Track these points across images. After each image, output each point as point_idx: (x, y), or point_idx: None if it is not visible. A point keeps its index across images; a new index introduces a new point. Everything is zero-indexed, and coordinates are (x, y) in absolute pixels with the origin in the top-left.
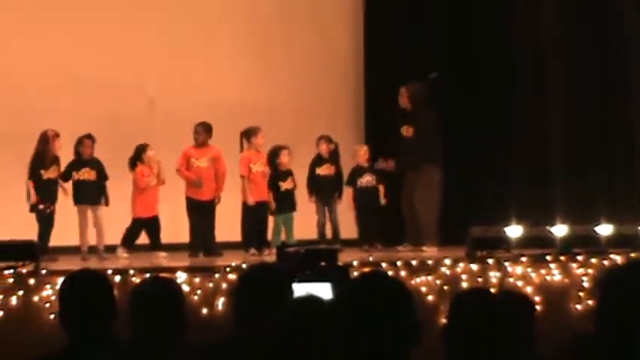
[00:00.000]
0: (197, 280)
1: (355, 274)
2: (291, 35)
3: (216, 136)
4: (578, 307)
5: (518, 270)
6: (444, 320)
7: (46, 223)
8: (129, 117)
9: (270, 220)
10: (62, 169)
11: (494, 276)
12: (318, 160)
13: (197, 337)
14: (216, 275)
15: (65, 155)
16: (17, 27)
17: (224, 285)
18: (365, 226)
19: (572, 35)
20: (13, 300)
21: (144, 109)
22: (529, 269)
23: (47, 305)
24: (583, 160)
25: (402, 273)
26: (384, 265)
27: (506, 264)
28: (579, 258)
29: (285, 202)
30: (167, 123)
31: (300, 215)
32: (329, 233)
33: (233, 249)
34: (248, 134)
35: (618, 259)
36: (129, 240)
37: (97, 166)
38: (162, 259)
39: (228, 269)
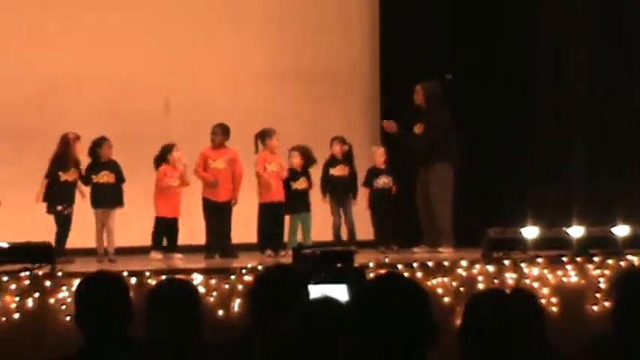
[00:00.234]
0: (213, 281)
1: (371, 275)
2: (306, 36)
3: (232, 138)
4: (595, 308)
5: (535, 271)
6: (459, 322)
7: (63, 224)
8: (145, 118)
9: (287, 221)
10: (82, 172)
11: (510, 277)
12: (331, 161)
13: (213, 338)
14: (232, 277)
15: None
16: (32, 28)
17: (240, 286)
18: (381, 228)
19: (592, 35)
20: (29, 302)
21: (160, 109)
22: (545, 270)
23: (63, 307)
24: (599, 161)
25: (418, 274)
26: (400, 266)
27: (523, 265)
28: (596, 259)
29: (297, 202)
30: (184, 124)
31: (316, 217)
32: (344, 235)
33: (249, 250)
34: (263, 136)
35: (635, 260)
36: (158, 241)
37: (115, 168)
38: (178, 260)
39: (244, 271)
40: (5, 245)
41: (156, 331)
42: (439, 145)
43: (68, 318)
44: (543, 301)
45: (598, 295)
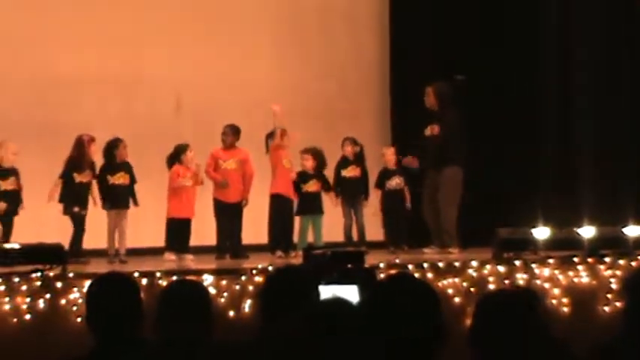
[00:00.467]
0: (224, 282)
1: (382, 276)
2: (316, 37)
3: (243, 138)
4: (606, 309)
5: (546, 272)
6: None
7: (79, 225)
8: (157, 118)
9: (297, 222)
10: (96, 173)
11: (521, 278)
12: (343, 162)
13: (224, 339)
14: (243, 277)
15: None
16: (44, 28)
17: (250, 287)
18: (392, 229)
19: (599, 35)
20: (41, 303)
21: (172, 110)
22: (556, 271)
23: (74, 308)
24: (611, 162)
25: (429, 275)
26: (410, 267)
27: (534, 266)
28: (607, 259)
29: (307, 204)
30: (195, 124)
31: (326, 218)
32: (355, 235)
33: (259, 251)
34: (274, 136)
35: None
36: (171, 242)
37: (129, 169)
38: (189, 261)
39: (254, 271)
40: (17, 246)
41: (167, 332)
42: (451, 146)
43: (79, 319)
44: (554, 301)
45: (609, 295)
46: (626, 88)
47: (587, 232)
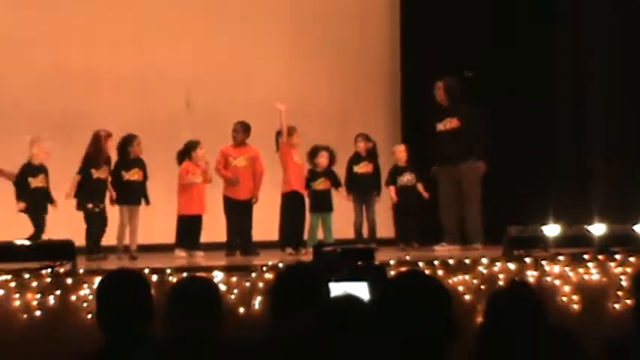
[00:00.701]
0: (234, 279)
1: (392, 273)
2: (327, 35)
3: (254, 135)
4: (617, 306)
5: (556, 269)
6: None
7: (93, 221)
8: (167, 115)
9: (306, 220)
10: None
11: (531, 275)
12: (355, 158)
13: (234, 335)
14: (253, 274)
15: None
16: (56, 26)
17: (261, 284)
18: (403, 225)
19: (615, 36)
20: (51, 299)
21: (182, 107)
22: (567, 268)
23: (84, 305)
24: (622, 158)
25: (439, 272)
26: (420, 264)
27: (544, 263)
28: (617, 257)
29: (317, 202)
30: (205, 121)
31: (337, 214)
32: (366, 232)
33: (270, 248)
34: (281, 135)
35: None
36: (182, 239)
37: (143, 166)
38: (200, 258)
39: (264, 268)
40: (27, 243)
41: (177, 329)
42: (468, 140)
43: (89, 315)
44: (564, 299)
45: (620, 293)
46: (637, 86)
47: (598, 229)
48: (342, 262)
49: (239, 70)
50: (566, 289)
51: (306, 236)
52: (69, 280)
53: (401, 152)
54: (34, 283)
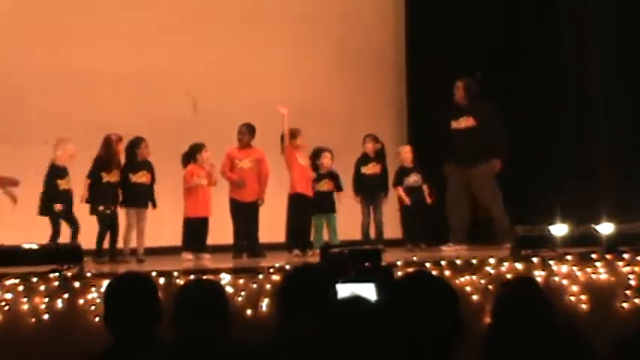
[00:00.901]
0: (241, 281)
1: (399, 274)
2: (332, 35)
3: (259, 137)
4: (625, 305)
5: (564, 268)
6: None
7: (106, 224)
8: (173, 117)
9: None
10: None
11: (539, 275)
12: (363, 159)
13: (241, 338)
14: (260, 276)
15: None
16: (57, 25)
17: (268, 286)
18: (410, 226)
19: (620, 36)
20: (59, 303)
21: (187, 109)
22: (574, 268)
23: (92, 308)
24: (629, 158)
25: (447, 272)
26: (428, 264)
27: (552, 262)
28: (625, 256)
29: (320, 203)
30: (211, 124)
31: (344, 216)
32: (373, 233)
33: (276, 250)
34: (289, 136)
35: None
36: (189, 242)
37: (150, 168)
38: (206, 260)
39: (271, 270)
40: (35, 246)
41: (184, 331)
42: (485, 140)
43: (97, 319)
44: (572, 298)
45: (628, 292)
46: None
47: (606, 228)
48: (350, 263)
49: (242, 71)
50: (574, 288)
51: (311, 238)
52: (76, 284)
53: (406, 153)
54: (42, 287)
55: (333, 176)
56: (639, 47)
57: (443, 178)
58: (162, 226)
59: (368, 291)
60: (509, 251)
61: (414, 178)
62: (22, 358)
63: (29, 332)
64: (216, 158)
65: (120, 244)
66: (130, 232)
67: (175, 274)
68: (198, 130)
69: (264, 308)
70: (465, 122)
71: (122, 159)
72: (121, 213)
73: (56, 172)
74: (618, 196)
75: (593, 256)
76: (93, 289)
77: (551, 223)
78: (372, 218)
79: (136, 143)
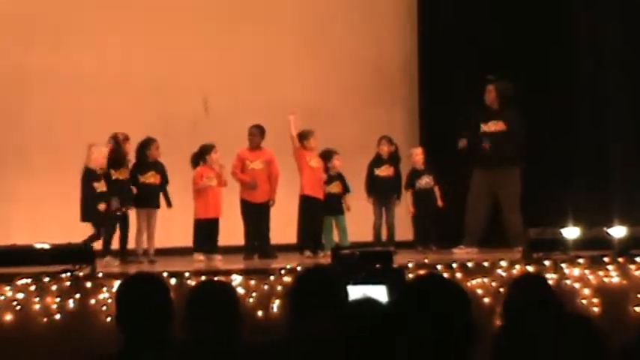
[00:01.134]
0: (252, 282)
1: (410, 276)
2: (343, 37)
3: (267, 139)
4: (637, 309)
5: (576, 272)
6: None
7: (112, 224)
8: (182, 118)
9: None
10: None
11: (551, 278)
12: (377, 161)
13: (252, 338)
14: (272, 277)
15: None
16: (69, 29)
17: (279, 287)
18: (421, 228)
19: (636, 35)
20: (70, 303)
21: (198, 111)
22: (586, 271)
23: (104, 308)
24: None
25: (458, 275)
26: (439, 267)
27: (563, 265)
28: (637, 259)
29: (330, 205)
30: (220, 124)
31: (355, 218)
32: (384, 235)
33: (288, 251)
34: (301, 137)
35: None
36: (200, 243)
37: (161, 169)
38: (218, 261)
39: (283, 271)
40: (46, 246)
41: (195, 332)
42: (512, 146)
43: (109, 319)
44: (584, 301)
45: None
46: None
47: (618, 231)
48: (361, 264)
49: (253, 72)
50: (586, 291)
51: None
52: (88, 284)
53: (418, 155)
54: (54, 287)
55: (341, 178)
56: None
57: (454, 180)
58: (173, 226)
59: (379, 293)
60: (520, 254)
61: (425, 180)
62: (33, 357)
63: (41, 332)
64: (227, 159)
65: (131, 245)
66: (140, 233)
67: (187, 274)
68: (209, 131)
69: (275, 309)
70: (494, 126)
71: (130, 158)
72: (133, 214)
73: (93, 176)
74: (631, 200)
75: (605, 259)
76: (104, 289)
77: (563, 226)
78: (384, 220)
79: (146, 144)
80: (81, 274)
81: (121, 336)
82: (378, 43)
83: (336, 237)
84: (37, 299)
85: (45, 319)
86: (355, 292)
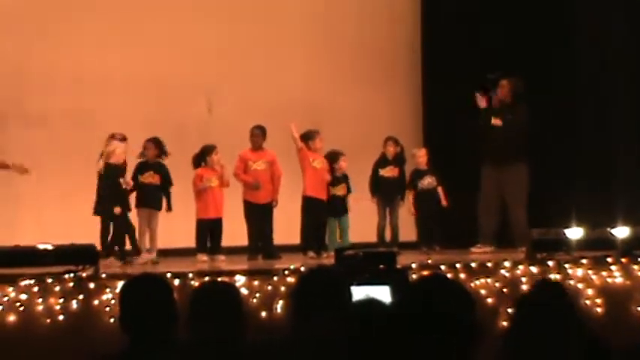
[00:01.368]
0: (256, 283)
1: (414, 276)
2: (349, 38)
3: (272, 139)
4: None
5: (579, 272)
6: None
7: (119, 225)
8: (186, 119)
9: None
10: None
11: (554, 278)
12: (382, 162)
13: (256, 339)
14: (275, 278)
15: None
16: (69, 29)
17: (283, 288)
18: (425, 229)
19: (638, 37)
20: (74, 304)
21: (200, 111)
22: (590, 271)
23: (107, 309)
24: None
25: (461, 275)
26: (442, 267)
27: (567, 266)
28: None
29: (335, 207)
30: (224, 125)
31: (359, 218)
32: (388, 236)
33: (291, 252)
34: (306, 138)
35: None
36: (203, 243)
37: (160, 170)
38: (221, 262)
39: (286, 272)
40: (49, 247)
41: (199, 332)
42: (518, 143)
43: (112, 320)
44: (588, 302)
45: None
46: None
47: (621, 232)
48: (364, 265)
49: (257, 73)
50: (590, 292)
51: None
52: (91, 285)
53: (422, 157)
54: (57, 288)
55: (346, 180)
56: None
57: (459, 180)
58: (175, 227)
59: (382, 293)
60: (524, 254)
61: (428, 181)
62: (36, 358)
63: (44, 333)
64: (230, 160)
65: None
66: (142, 234)
67: (190, 275)
68: (211, 132)
69: (278, 310)
70: (504, 120)
71: (126, 159)
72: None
73: (117, 171)
74: (634, 200)
75: (609, 259)
76: (107, 290)
77: (566, 227)
78: (388, 221)
79: (144, 145)
80: (84, 274)
81: (124, 337)
82: (381, 42)
83: (338, 237)
84: (40, 300)
85: (48, 320)
86: (359, 292)
